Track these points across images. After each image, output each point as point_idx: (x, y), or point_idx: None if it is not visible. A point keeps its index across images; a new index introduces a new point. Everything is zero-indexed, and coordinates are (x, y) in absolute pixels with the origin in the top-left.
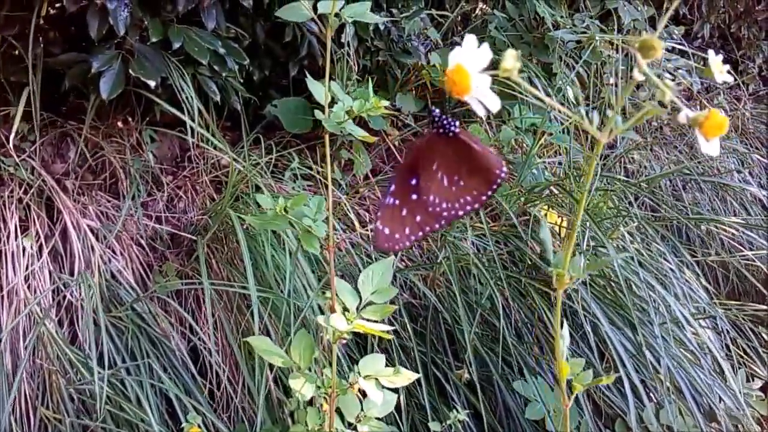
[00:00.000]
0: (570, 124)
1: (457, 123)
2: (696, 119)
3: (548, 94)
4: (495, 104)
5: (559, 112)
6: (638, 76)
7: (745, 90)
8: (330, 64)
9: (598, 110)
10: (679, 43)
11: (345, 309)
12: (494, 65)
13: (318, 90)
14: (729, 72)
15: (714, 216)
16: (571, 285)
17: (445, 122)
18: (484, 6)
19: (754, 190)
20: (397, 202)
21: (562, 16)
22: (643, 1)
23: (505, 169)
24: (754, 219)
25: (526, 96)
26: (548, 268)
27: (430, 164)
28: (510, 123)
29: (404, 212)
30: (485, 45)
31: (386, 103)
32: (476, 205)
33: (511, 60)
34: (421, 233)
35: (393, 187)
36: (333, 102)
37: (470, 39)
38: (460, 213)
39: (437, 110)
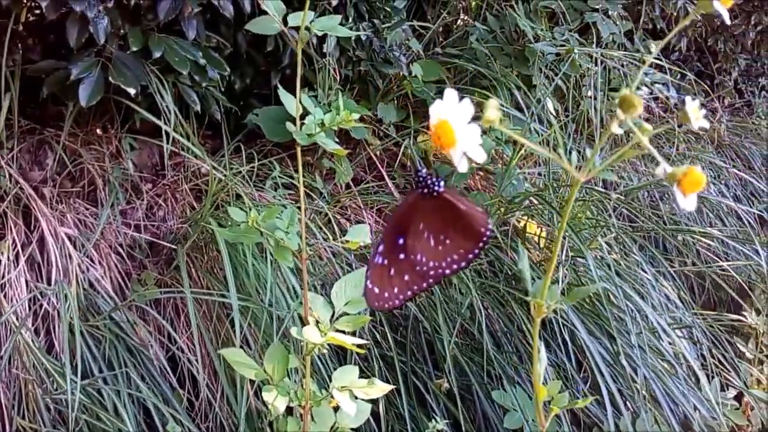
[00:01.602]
0: (550, 134)
1: (442, 183)
2: (674, 175)
3: (528, 106)
4: (481, 156)
5: (537, 128)
6: (616, 130)
7: (721, 103)
8: (312, 73)
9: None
10: (657, 57)
11: (317, 321)
12: (479, 76)
13: (289, 102)
14: (705, 97)
15: (690, 227)
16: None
17: (429, 182)
18: (466, 18)
19: (730, 202)
20: (385, 261)
21: (542, 29)
22: (621, 16)
23: (491, 226)
24: (730, 230)
25: (507, 108)
26: (526, 297)
27: (416, 224)
28: (490, 134)
29: (392, 272)
30: (466, 100)
31: (357, 116)
32: (463, 264)
33: (493, 111)
34: (409, 292)
35: (381, 247)
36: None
37: (451, 93)
38: (447, 272)
39: (424, 170)
